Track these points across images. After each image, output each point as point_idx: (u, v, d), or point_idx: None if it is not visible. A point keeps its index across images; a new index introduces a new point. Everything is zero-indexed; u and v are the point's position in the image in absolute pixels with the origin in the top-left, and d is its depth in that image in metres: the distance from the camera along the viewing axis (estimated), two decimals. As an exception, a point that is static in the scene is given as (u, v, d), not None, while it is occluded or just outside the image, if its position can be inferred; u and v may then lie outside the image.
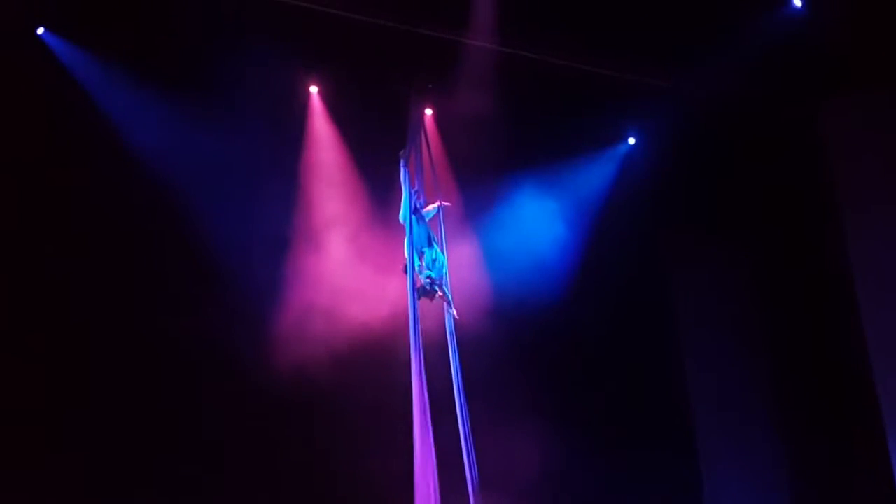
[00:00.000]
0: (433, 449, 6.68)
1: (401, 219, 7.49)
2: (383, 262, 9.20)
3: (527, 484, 9.49)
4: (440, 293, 7.22)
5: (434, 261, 7.13)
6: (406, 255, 7.27)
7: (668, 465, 10.31)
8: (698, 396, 10.84)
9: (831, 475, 10.41)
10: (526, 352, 10.31)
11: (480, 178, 10.34)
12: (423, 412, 6.73)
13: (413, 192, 7.32)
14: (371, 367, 9.19)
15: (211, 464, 8.74)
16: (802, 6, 9.59)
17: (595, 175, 11.04)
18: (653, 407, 10.61)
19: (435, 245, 7.21)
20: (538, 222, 10.67)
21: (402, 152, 7.57)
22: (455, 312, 7.28)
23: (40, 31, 8.66)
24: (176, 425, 8.68)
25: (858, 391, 10.21)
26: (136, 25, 8.75)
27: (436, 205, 7.50)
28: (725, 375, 10.95)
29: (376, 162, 9.77)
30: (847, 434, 10.36)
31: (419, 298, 7.16)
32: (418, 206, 7.30)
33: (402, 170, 7.49)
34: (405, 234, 7.36)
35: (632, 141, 11.18)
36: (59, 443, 8.25)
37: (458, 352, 7.23)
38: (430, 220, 7.44)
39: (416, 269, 7.12)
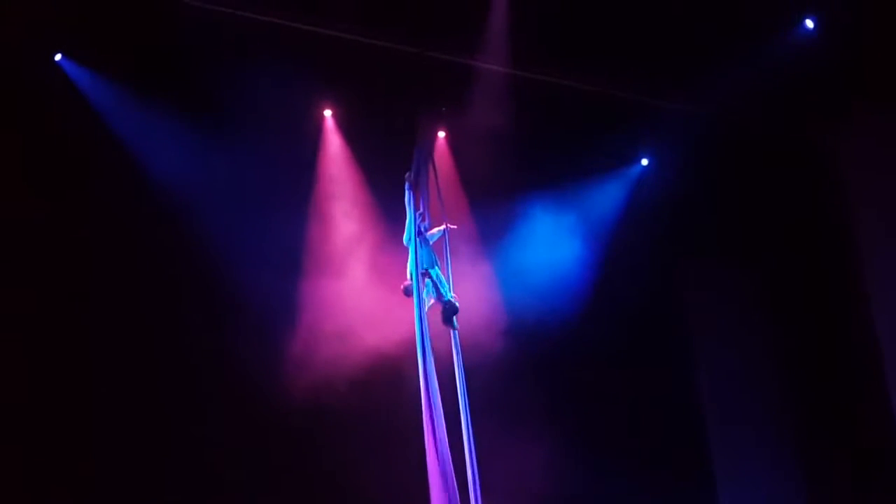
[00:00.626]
0: (451, 466, 6.62)
1: (405, 241, 7.50)
2: (397, 284, 9.17)
3: (540, 501, 9.48)
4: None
5: (438, 282, 7.12)
6: (409, 277, 7.28)
7: (682, 482, 10.25)
8: (712, 414, 10.80)
9: (848, 490, 10.30)
10: (540, 370, 10.30)
11: (494, 199, 10.36)
12: (433, 431, 6.69)
13: (417, 214, 7.33)
14: (385, 389, 9.18)
15: (223, 485, 8.76)
16: (815, 28, 9.56)
17: (608, 196, 11.04)
18: (667, 425, 10.60)
19: (437, 267, 7.20)
20: (552, 242, 10.66)
21: (407, 175, 7.57)
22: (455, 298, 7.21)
23: (58, 57, 8.79)
24: (188, 445, 8.70)
25: (874, 407, 10.14)
26: (151, 51, 8.87)
27: (441, 227, 7.51)
28: (739, 393, 10.93)
29: (390, 184, 9.71)
30: (863, 449, 10.28)
31: (447, 325, 7.11)
32: (423, 228, 7.31)
33: (406, 192, 7.50)
34: (410, 254, 7.37)
35: (645, 162, 11.17)
36: (69, 460, 8.30)
37: (465, 367, 7.18)
38: (435, 242, 7.45)
39: (423, 290, 7.11)
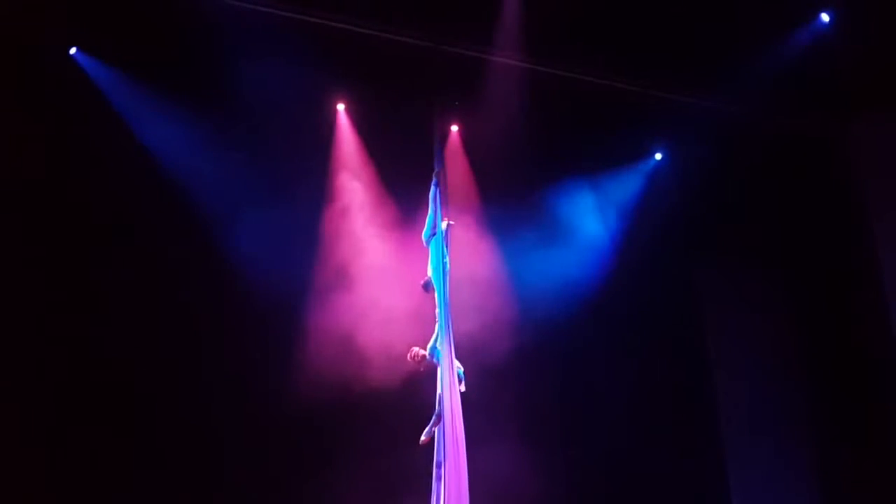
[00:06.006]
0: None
1: (424, 237, 7.51)
2: (410, 279, 9.14)
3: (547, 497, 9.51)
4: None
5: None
6: (430, 274, 7.31)
7: (695, 483, 10.24)
8: (727, 415, 10.70)
9: (864, 495, 10.28)
10: (551, 367, 10.29)
11: (506, 193, 10.30)
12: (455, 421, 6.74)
13: (439, 211, 7.38)
14: (395, 389, 9.05)
15: (233, 484, 8.80)
16: (830, 22, 9.49)
17: (622, 190, 11.00)
18: (680, 425, 10.56)
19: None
20: (565, 236, 10.64)
21: (436, 172, 7.60)
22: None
23: (73, 50, 8.80)
24: (197, 446, 8.73)
25: (893, 412, 10.10)
26: (165, 44, 8.86)
27: (444, 223, 7.53)
28: (755, 395, 10.86)
29: (403, 178, 9.79)
30: (880, 453, 10.24)
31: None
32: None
33: (433, 189, 7.52)
34: (431, 253, 7.38)
35: (658, 156, 11.13)
36: (82, 463, 8.33)
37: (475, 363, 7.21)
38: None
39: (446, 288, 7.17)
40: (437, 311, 7.20)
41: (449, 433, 6.74)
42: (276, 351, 9.21)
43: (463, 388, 7.08)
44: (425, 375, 7.28)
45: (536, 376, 10.12)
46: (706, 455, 10.61)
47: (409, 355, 7.24)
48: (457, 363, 7.16)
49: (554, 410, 10.12)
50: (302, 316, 9.32)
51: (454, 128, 10.07)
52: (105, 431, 8.43)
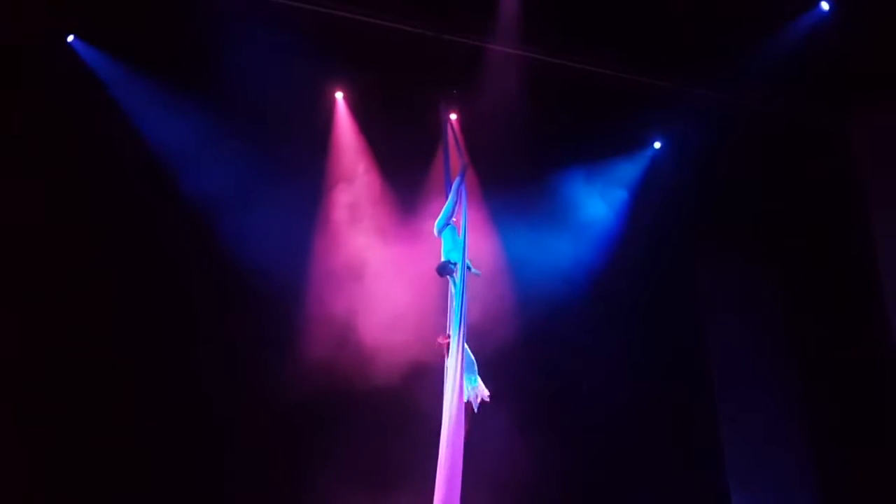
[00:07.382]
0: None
1: (437, 225, 7.48)
2: (411, 271, 9.15)
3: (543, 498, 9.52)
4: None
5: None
6: (444, 256, 7.30)
7: (693, 481, 10.28)
8: (725, 415, 10.72)
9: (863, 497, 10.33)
10: (550, 357, 10.30)
11: (505, 182, 10.28)
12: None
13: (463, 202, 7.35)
14: (395, 380, 9.07)
15: (230, 474, 8.78)
16: (830, 10, 9.49)
17: (620, 179, 10.99)
18: (678, 425, 10.59)
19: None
20: (562, 225, 10.63)
21: (463, 164, 7.57)
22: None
23: (70, 38, 8.74)
24: (195, 441, 8.72)
25: (890, 404, 10.13)
26: (163, 32, 8.80)
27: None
28: (753, 393, 10.87)
29: (402, 167, 9.80)
30: (881, 455, 10.27)
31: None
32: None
33: (458, 180, 7.46)
34: (444, 242, 7.40)
35: (657, 145, 11.12)
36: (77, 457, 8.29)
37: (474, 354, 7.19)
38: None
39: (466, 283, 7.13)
40: (452, 295, 7.07)
41: (446, 426, 6.66)
42: (275, 344, 9.17)
43: (487, 395, 7.00)
44: (428, 371, 7.26)
45: (535, 364, 10.11)
46: (706, 450, 10.66)
47: (439, 339, 7.10)
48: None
49: (553, 400, 10.12)
50: (300, 310, 9.29)
51: (453, 116, 10.05)
52: (101, 423, 8.39)
